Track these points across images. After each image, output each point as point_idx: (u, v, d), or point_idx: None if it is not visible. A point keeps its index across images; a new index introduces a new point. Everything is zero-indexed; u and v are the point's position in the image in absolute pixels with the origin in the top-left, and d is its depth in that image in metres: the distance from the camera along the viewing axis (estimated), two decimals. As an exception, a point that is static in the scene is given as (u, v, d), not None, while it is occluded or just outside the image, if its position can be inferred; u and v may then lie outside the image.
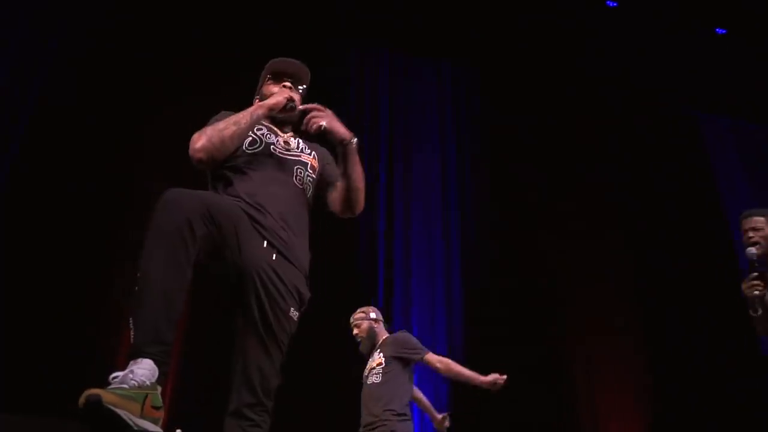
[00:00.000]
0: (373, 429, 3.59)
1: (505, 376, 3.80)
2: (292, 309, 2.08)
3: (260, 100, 2.46)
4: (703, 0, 6.46)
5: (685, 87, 6.94)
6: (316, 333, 4.51)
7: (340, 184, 2.30)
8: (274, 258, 2.06)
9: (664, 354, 6.05)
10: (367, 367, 3.90)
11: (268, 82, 2.47)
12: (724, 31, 6.74)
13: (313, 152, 2.42)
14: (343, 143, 2.22)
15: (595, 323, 6.01)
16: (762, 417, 5.74)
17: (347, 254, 5.77)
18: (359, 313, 4.08)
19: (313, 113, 2.22)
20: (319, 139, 2.48)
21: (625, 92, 7.03)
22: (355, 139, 2.23)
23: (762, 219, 3.18)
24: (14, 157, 5.47)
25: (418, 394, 4.11)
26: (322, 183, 2.39)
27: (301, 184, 2.29)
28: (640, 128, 6.93)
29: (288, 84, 2.42)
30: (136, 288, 1.68)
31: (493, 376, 3.80)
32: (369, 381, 3.78)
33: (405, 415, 3.65)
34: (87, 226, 5.33)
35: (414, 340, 3.90)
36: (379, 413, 3.60)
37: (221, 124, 2.15)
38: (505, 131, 6.70)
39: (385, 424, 3.56)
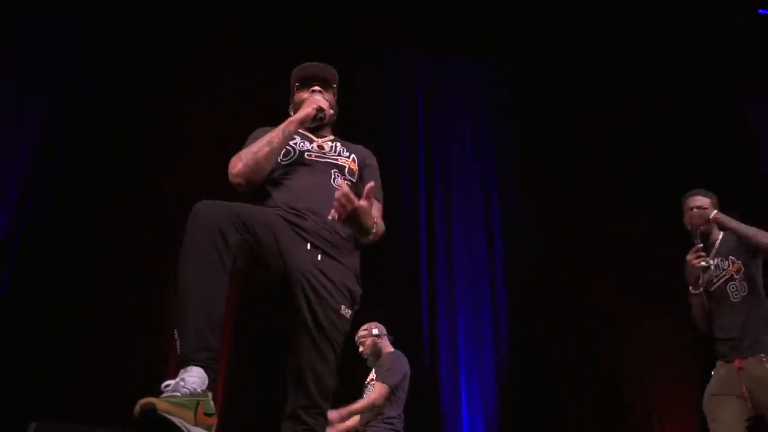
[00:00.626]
0: None
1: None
2: (343, 307, 2.07)
3: (293, 108, 2.48)
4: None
5: (730, 72, 6.73)
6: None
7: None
8: (319, 259, 2.06)
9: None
10: (368, 378, 4.07)
11: (298, 90, 2.49)
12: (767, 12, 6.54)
13: (352, 155, 2.40)
14: (369, 233, 2.08)
15: (648, 324, 5.87)
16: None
17: (389, 258, 5.76)
18: (363, 331, 4.20)
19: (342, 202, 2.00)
20: (360, 140, 2.50)
21: (669, 82, 6.83)
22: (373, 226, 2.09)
23: (707, 200, 3.33)
24: (60, 167, 5.62)
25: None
26: (357, 195, 2.36)
27: (340, 187, 2.29)
28: (689, 118, 6.71)
29: (317, 88, 2.43)
30: (177, 299, 1.71)
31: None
32: (364, 395, 3.96)
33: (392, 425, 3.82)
34: (135, 227, 5.45)
35: (388, 365, 3.99)
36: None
37: (255, 146, 2.19)
38: (545, 128, 6.61)
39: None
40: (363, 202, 1.99)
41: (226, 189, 2.21)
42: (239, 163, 2.16)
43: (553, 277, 5.94)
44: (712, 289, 3.24)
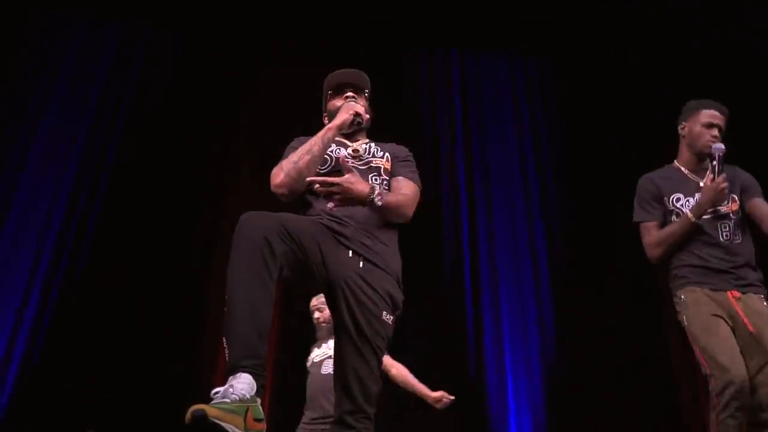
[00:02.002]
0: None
1: (452, 397, 3.72)
2: (384, 313, 2.09)
3: (327, 117, 2.51)
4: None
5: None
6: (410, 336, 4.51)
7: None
8: (361, 266, 2.09)
9: None
10: (319, 354, 3.81)
11: (331, 98, 2.53)
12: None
13: (386, 154, 2.42)
14: (366, 203, 2.13)
15: None
16: None
17: (433, 261, 5.74)
18: (323, 297, 3.70)
19: (323, 190, 2.10)
20: (392, 136, 2.51)
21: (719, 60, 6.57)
22: (376, 193, 2.13)
23: (721, 116, 3.00)
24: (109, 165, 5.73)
25: (401, 372, 3.86)
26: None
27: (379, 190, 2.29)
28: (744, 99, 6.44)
29: (350, 94, 2.45)
30: (225, 308, 1.75)
31: (439, 393, 3.72)
32: (324, 371, 3.66)
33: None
34: (182, 239, 5.52)
35: None
36: None
37: (295, 156, 2.21)
38: (587, 125, 6.49)
39: None
40: (339, 179, 2.07)
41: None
42: (281, 173, 2.19)
43: (599, 271, 5.82)
44: (707, 218, 2.88)
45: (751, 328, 2.66)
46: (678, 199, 2.96)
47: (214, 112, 5.93)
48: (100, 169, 5.69)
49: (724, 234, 2.87)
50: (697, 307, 2.75)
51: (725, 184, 2.81)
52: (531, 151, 6.53)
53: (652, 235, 2.95)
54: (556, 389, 5.47)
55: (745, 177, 3.01)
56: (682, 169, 3.05)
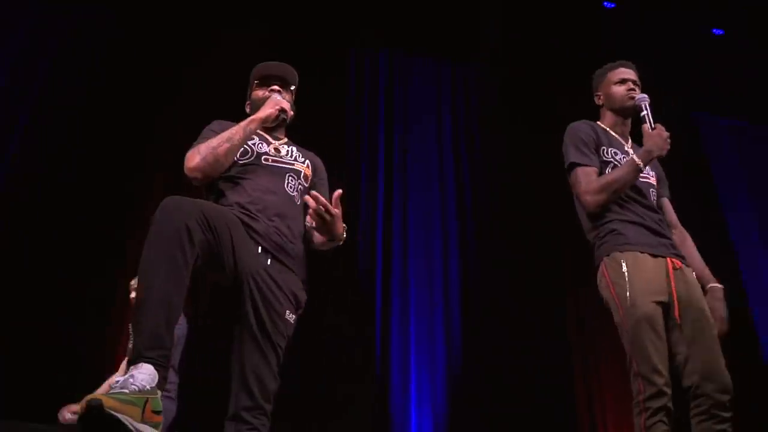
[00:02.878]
0: None
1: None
2: (288, 312, 2.12)
3: (251, 105, 2.51)
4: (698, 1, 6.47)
5: (684, 88, 6.90)
6: (313, 336, 4.52)
7: (312, 238, 2.33)
8: (269, 263, 2.10)
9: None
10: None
11: (256, 87, 2.53)
12: (721, 32, 6.76)
13: (307, 161, 2.47)
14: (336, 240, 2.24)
15: (597, 321, 5.96)
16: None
17: (346, 262, 5.76)
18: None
19: (316, 212, 2.09)
20: (313, 145, 2.53)
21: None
22: (344, 235, 2.25)
23: (631, 71, 2.89)
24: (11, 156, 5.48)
25: None
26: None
27: (294, 192, 2.32)
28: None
29: (276, 87, 2.46)
30: (137, 294, 1.72)
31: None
32: None
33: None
34: (86, 226, 5.32)
35: None
36: None
37: (215, 141, 2.19)
38: (512, 136, 6.66)
39: None
40: (337, 210, 2.07)
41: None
42: (197, 156, 2.16)
43: (506, 277, 6.01)
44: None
45: (677, 314, 2.41)
46: (615, 153, 2.73)
47: (134, 110, 5.79)
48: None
49: (652, 200, 2.71)
50: (644, 284, 2.41)
51: (667, 133, 2.64)
52: (450, 152, 6.65)
53: (593, 180, 2.61)
54: (458, 391, 5.60)
55: (659, 170, 2.93)
56: (608, 129, 2.84)
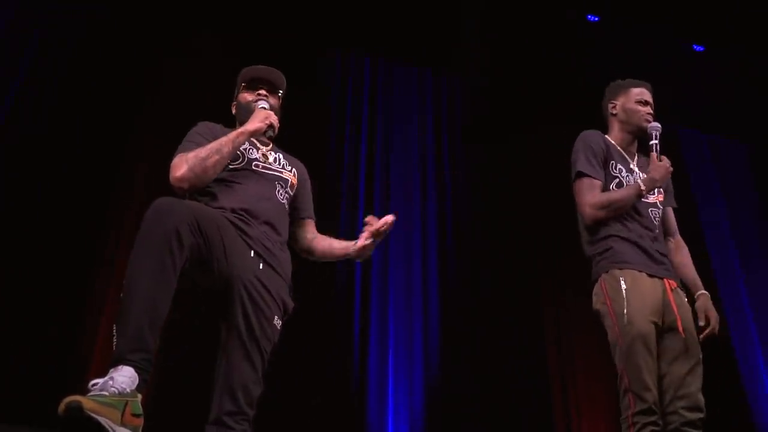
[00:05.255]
0: None
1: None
2: (276, 317, 2.12)
3: (237, 107, 2.51)
4: (681, 17, 6.56)
5: (666, 102, 6.97)
6: (290, 343, 4.50)
7: (318, 250, 2.47)
8: (260, 267, 2.10)
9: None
10: None
11: (244, 90, 2.52)
12: (701, 48, 6.86)
13: (294, 169, 2.50)
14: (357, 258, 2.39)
15: (574, 320, 5.99)
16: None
17: (325, 267, 5.73)
18: None
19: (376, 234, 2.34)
20: (297, 151, 2.55)
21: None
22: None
23: (650, 94, 2.93)
24: None
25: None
26: (292, 209, 2.45)
27: (282, 199, 2.34)
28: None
29: (263, 92, 2.46)
30: (122, 295, 1.70)
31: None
32: None
33: None
34: (70, 226, 5.21)
35: None
36: None
37: (203, 152, 2.15)
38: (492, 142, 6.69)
39: None
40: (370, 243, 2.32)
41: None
42: (184, 166, 2.12)
43: (486, 284, 6.03)
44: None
45: (681, 328, 2.50)
46: (621, 170, 2.78)
47: (113, 110, 5.70)
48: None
49: (655, 220, 2.76)
50: (640, 303, 2.47)
51: (671, 167, 2.72)
52: (431, 160, 6.68)
53: (597, 194, 2.67)
54: (436, 398, 5.61)
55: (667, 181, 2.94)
56: (616, 145, 2.88)
